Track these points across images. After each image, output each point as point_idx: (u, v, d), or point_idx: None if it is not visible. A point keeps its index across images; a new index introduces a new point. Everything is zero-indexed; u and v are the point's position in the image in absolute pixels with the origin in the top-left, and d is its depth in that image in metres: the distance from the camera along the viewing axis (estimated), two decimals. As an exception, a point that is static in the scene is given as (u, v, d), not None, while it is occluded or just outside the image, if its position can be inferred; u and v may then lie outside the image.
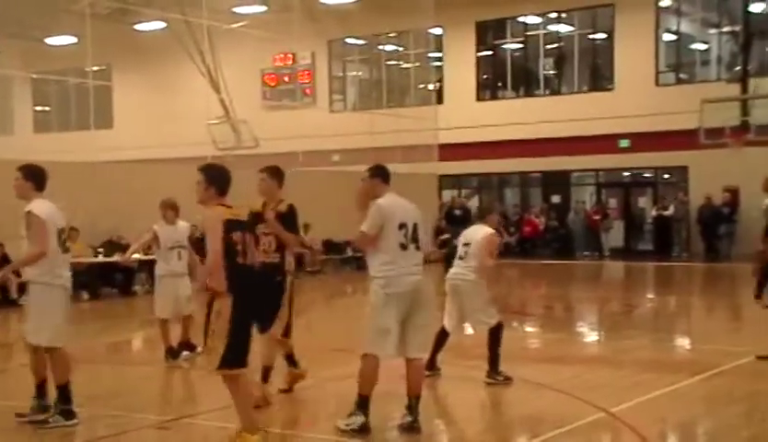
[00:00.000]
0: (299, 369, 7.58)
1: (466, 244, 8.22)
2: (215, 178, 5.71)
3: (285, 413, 7.24)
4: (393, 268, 6.12)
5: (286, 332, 7.32)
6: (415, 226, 6.27)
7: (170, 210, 9.16)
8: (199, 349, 9.45)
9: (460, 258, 8.24)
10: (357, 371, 6.18)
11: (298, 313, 16.12)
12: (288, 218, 7.12)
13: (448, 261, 9.00)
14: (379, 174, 6.41)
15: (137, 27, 28.73)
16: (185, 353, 9.24)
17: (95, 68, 28.26)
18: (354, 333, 11.45)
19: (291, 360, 7.53)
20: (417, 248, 6.24)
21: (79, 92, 29.93)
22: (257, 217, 6.91)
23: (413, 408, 6.17)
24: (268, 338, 7.04)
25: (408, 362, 6.22)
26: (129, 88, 31.66)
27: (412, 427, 6.12)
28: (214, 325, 5.52)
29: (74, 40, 27.73)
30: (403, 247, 6.16)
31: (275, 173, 7.34)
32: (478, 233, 8.19)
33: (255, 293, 5.74)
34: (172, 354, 9.19)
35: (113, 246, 16.30)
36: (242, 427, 5.58)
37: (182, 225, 9.28)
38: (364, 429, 6.04)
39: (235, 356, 5.57)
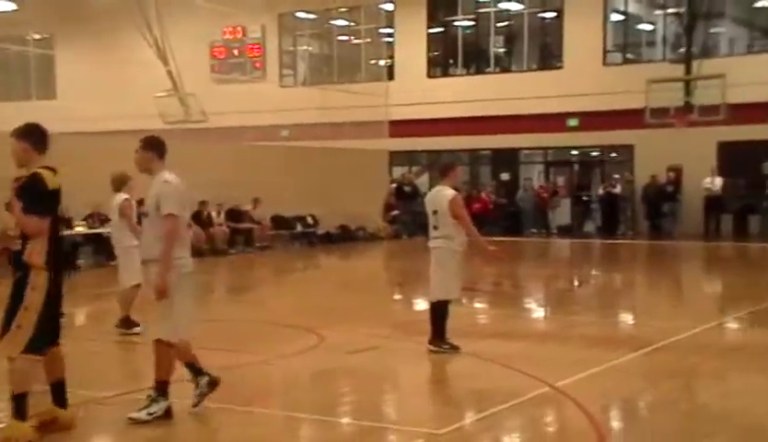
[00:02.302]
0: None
1: (434, 212, 8.19)
2: (37, 135, 5.34)
3: (237, 389, 7.21)
4: (184, 248, 5.94)
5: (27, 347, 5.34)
6: None
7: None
8: (140, 328, 9.36)
9: (435, 227, 8.23)
10: (163, 359, 5.93)
11: (246, 290, 15.92)
12: (26, 191, 5.29)
13: (423, 229, 8.91)
14: (154, 147, 5.95)
15: (81, -6, 28.05)
16: (138, 327, 9.17)
17: (37, 37, 27.52)
18: (305, 310, 11.50)
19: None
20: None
21: (20, 61, 29.12)
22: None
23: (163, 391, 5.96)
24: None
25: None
26: (73, 58, 30.89)
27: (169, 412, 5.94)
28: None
29: (13, 6, 26.91)
30: (188, 226, 6.09)
31: (26, 134, 5.47)
32: (442, 199, 8.15)
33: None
34: (128, 324, 9.12)
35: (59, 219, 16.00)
36: (13, 414, 5.35)
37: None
38: (169, 413, 5.90)
39: (44, 340, 5.33)
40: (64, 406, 5.67)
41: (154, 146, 5.96)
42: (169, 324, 5.87)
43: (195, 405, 6.07)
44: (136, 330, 9.18)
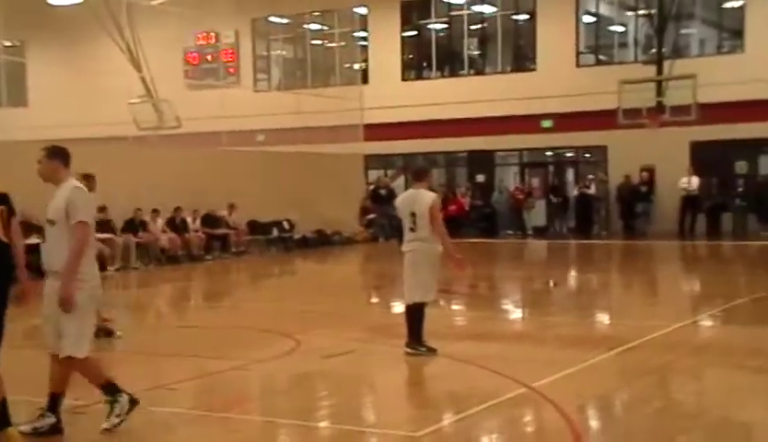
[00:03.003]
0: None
1: (412, 214, 8.16)
2: None
3: (214, 395, 7.20)
4: (91, 259, 5.67)
5: None
6: None
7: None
8: (118, 333, 9.31)
9: (411, 230, 8.19)
10: (89, 371, 5.80)
11: (223, 295, 15.88)
12: None
13: (399, 233, 8.93)
14: (60, 156, 5.72)
15: (51, 1, 27.76)
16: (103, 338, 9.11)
17: (7, 44, 27.26)
18: (282, 314, 11.48)
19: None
20: None
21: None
22: None
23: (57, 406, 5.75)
24: None
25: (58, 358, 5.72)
26: (45, 65, 30.63)
27: (56, 428, 5.72)
28: None
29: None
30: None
31: None
32: (420, 201, 8.13)
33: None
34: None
35: (28, 227, 15.83)
36: None
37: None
38: (134, 402, 5.81)
39: None
40: (7, 425, 5.44)
41: (59, 155, 5.73)
42: (78, 339, 5.63)
43: (108, 430, 5.72)
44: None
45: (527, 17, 26.58)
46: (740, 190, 23.69)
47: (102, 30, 23.10)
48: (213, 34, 29.76)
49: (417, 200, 8.19)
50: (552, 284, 15.27)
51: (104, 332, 9.19)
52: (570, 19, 25.53)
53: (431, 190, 8.49)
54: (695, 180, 23.11)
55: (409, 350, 8.21)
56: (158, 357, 8.85)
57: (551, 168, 27.49)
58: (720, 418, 6.24)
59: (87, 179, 10.83)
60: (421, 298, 8.24)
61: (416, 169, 8.96)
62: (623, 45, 26.08)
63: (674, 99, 21.35)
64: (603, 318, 11.98)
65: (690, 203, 23.17)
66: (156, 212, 18.80)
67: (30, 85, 32.01)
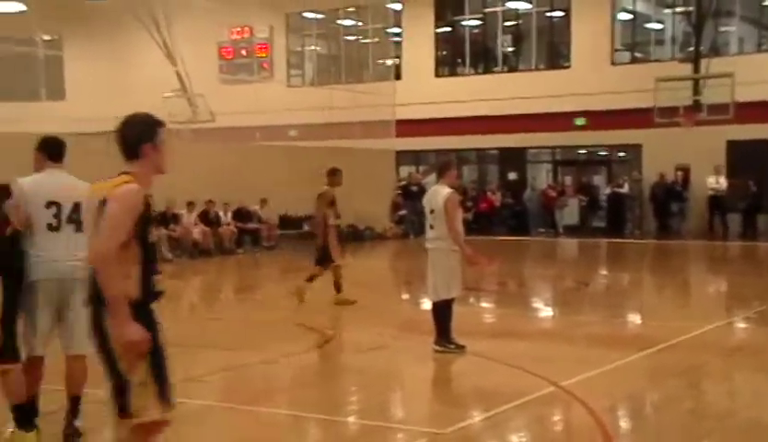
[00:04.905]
0: None
1: (431, 211, 8.14)
2: None
3: (242, 388, 7.26)
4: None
5: None
6: (76, 205, 5.29)
7: None
8: None
9: (431, 227, 8.19)
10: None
11: (253, 289, 15.95)
12: None
13: (422, 230, 8.86)
14: (41, 147, 5.53)
15: (89, -4, 28.12)
16: None
17: (45, 38, 27.68)
18: (312, 309, 11.53)
19: None
20: (78, 230, 5.30)
21: (29, 62, 29.27)
22: None
23: (76, 410, 5.44)
24: None
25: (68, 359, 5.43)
26: (82, 59, 31.04)
27: (76, 432, 5.41)
28: None
29: (22, 7, 27.03)
30: (52, 228, 5.26)
31: None
32: (438, 197, 8.10)
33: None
34: None
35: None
36: (17, 424, 5.21)
37: None
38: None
39: (9, 346, 5.14)
40: (35, 415, 5.37)
41: (40, 146, 5.56)
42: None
43: None
44: None
45: (561, 13, 26.35)
46: (778, 190, 23.29)
47: (138, 25, 23.34)
48: (247, 29, 29.91)
49: (435, 196, 8.15)
50: (583, 282, 15.15)
51: None
52: (605, 16, 25.27)
53: (458, 185, 8.41)
54: (723, 180, 22.76)
55: (437, 347, 8.20)
56: (189, 349, 8.92)
57: (584, 166, 27.26)
58: (751, 420, 6.15)
59: (334, 173, 11.47)
60: (446, 295, 8.21)
61: (439, 164, 8.85)
62: (660, 42, 25.75)
63: (711, 98, 21.01)
64: (634, 318, 11.87)
65: (718, 203, 22.82)
66: (191, 205, 18.99)
67: (67, 78, 32.43)
